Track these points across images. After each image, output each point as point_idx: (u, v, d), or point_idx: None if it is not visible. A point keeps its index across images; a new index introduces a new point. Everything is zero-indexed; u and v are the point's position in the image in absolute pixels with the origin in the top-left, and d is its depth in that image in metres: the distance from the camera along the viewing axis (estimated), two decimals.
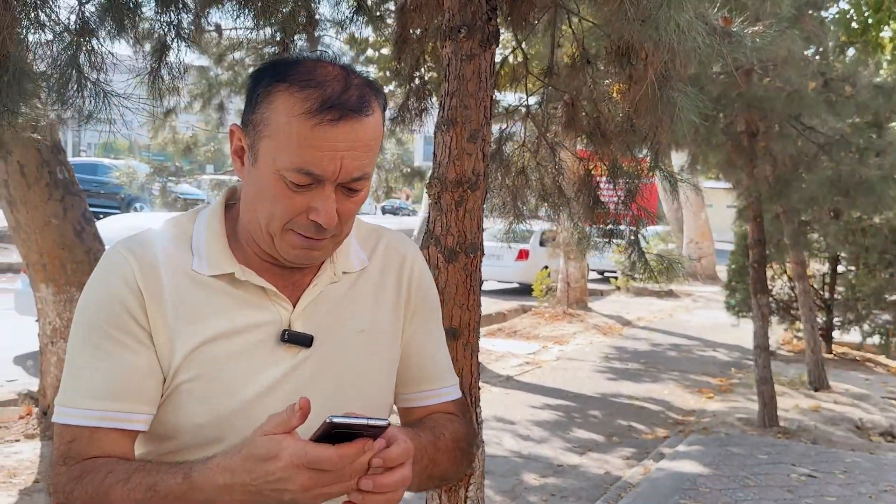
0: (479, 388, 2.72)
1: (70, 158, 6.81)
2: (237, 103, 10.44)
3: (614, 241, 3.67)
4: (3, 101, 1.60)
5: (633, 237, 3.66)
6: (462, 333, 2.63)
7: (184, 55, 2.66)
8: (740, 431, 7.25)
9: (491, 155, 3.14)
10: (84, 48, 1.76)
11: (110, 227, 8.59)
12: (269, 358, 1.34)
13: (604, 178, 3.48)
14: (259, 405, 1.31)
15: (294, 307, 1.37)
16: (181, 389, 1.31)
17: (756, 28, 2.84)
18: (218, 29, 6.66)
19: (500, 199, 3.45)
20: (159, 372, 1.31)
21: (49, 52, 1.80)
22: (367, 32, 10.68)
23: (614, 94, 3.01)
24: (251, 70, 1.40)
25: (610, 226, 3.59)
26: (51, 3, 1.62)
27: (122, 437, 1.29)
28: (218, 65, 9.47)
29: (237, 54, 10.00)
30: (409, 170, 11.14)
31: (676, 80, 2.48)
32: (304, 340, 1.35)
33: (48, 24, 1.63)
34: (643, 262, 3.72)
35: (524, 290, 15.52)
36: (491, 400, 8.06)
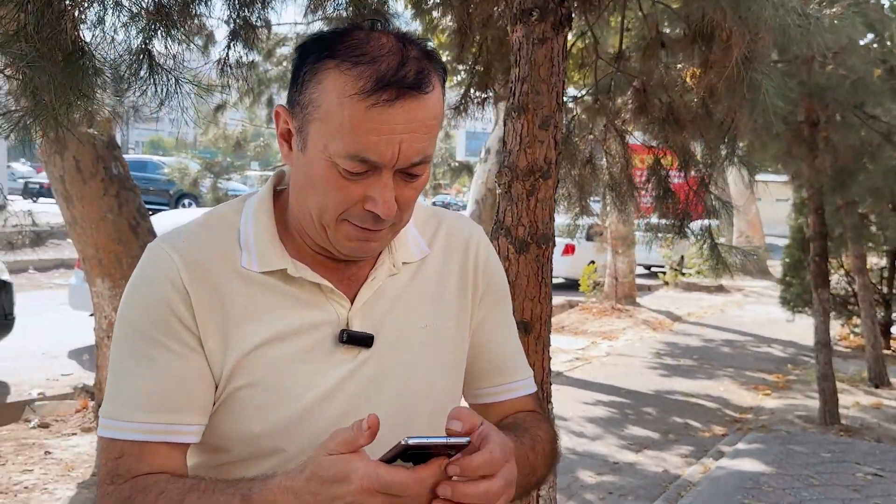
0: (551, 383, 2.64)
1: (127, 156, 6.87)
2: (286, 99, 10.46)
3: (685, 232, 3.54)
4: (76, 88, 1.56)
5: (706, 228, 3.54)
6: (533, 327, 2.55)
7: (244, 48, 2.63)
8: (801, 429, 7.07)
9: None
10: (159, 32, 1.71)
11: (161, 224, 8.63)
12: (327, 361, 1.23)
13: (669, 168, 3.37)
14: (318, 412, 1.22)
15: (352, 304, 1.26)
16: (235, 397, 1.21)
17: (834, 10, 2.72)
18: (267, 24, 6.67)
19: (566, 189, 3.36)
20: (210, 378, 1.20)
21: (120, 39, 1.77)
22: (415, 26, 10.65)
23: (688, 80, 2.90)
24: (298, 43, 1.24)
25: (680, 217, 3.46)
26: None
27: (172, 451, 1.19)
28: (267, 60, 9.49)
29: (285, 49, 10.04)
30: (457, 164, 11.06)
31: (760, 62, 2.36)
32: (364, 340, 1.25)
33: (123, 6, 1.59)
34: (716, 254, 3.59)
35: (570, 286, 15.37)
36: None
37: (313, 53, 1.15)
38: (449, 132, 10.49)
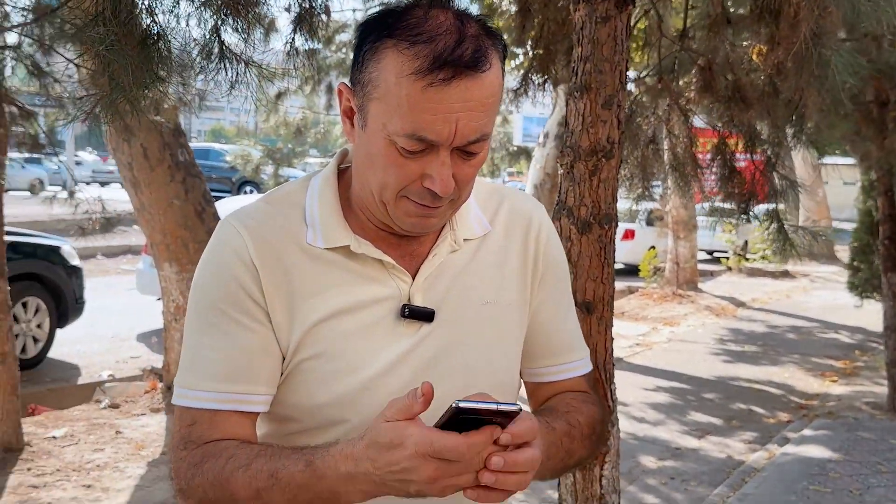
0: (614, 364, 2.63)
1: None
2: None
3: (750, 215, 3.47)
4: (152, 71, 1.60)
5: (772, 210, 3.47)
6: (596, 307, 2.54)
7: (307, 36, 2.66)
8: (869, 416, 6.92)
9: None
10: (230, 17, 1.75)
11: (224, 209, 8.81)
12: (389, 335, 1.26)
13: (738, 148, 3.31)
14: (381, 385, 1.25)
15: (413, 279, 1.29)
16: (300, 368, 1.25)
17: None
18: (327, 10, 6.73)
19: (628, 171, 3.33)
20: (277, 351, 1.25)
21: (191, 24, 1.81)
22: (473, 9, 10.62)
23: (754, 57, 2.85)
24: (361, 22, 1.25)
25: (746, 199, 3.40)
26: None
27: (242, 419, 1.25)
28: (326, 47, 9.57)
29: (345, 36, 10.11)
30: (515, 149, 11.02)
31: (829, 39, 2.31)
32: (426, 315, 1.27)
33: None
34: (783, 236, 3.51)
35: (630, 271, 15.21)
36: None
37: (373, 33, 1.17)
38: (506, 117, 10.44)
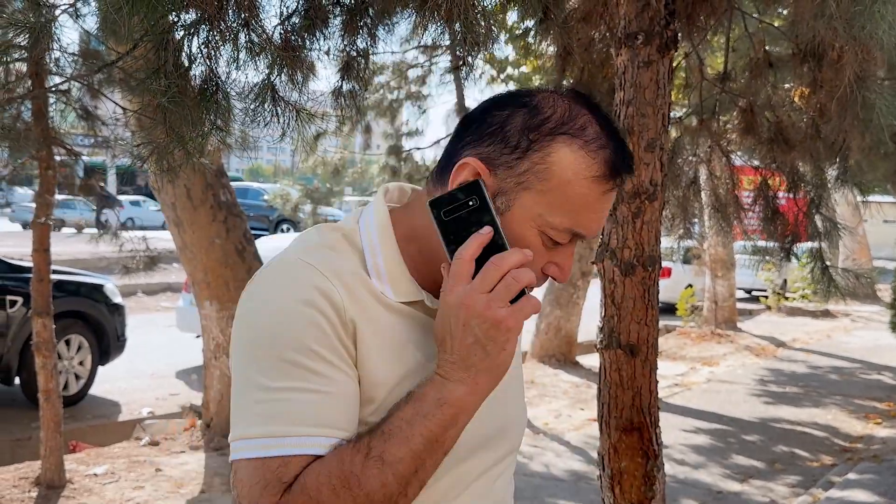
0: (659, 408, 2.62)
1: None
2: (382, 125, 10.67)
3: (792, 255, 3.46)
4: (211, 120, 1.66)
5: (816, 251, 3.45)
6: (640, 350, 2.54)
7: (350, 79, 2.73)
8: None
9: None
10: (285, 66, 1.80)
11: (262, 247, 8.91)
12: None
13: (778, 189, 3.30)
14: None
15: None
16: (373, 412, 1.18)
17: None
18: (366, 54, 6.84)
19: (669, 210, 3.33)
20: (357, 396, 1.16)
21: (247, 73, 1.87)
22: (507, 51, 10.74)
23: (796, 100, 2.85)
24: (493, 98, 1.26)
25: (789, 239, 3.39)
26: (255, 22, 1.67)
27: None
28: (365, 89, 9.70)
29: (382, 77, 10.26)
30: None
31: (872, 82, 2.32)
32: None
33: (254, 44, 1.68)
34: (827, 277, 3.49)
35: (667, 310, 15.06)
36: None
37: (539, 124, 1.17)
38: None
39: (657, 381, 2.60)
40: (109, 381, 8.61)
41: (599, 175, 1.15)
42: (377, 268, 1.21)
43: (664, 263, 10.79)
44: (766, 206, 3.32)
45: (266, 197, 13.03)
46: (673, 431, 7.60)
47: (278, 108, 1.94)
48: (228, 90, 1.61)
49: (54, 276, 7.86)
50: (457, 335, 1.11)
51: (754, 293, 19.12)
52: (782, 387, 10.00)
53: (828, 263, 3.50)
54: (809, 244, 3.46)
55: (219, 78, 1.59)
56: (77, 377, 8.00)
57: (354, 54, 2.31)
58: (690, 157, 3.34)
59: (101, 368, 8.31)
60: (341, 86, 2.42)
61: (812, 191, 3.21)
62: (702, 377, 10.47)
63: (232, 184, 7.13)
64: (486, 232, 1.12)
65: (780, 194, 3.38)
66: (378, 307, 1.19)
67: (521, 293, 1.11)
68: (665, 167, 2.51)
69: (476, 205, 1.13)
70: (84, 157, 5.83)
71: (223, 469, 5.93)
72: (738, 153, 3.29)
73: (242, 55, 1.67)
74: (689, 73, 3.37)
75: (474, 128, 1.21)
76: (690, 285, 15.47)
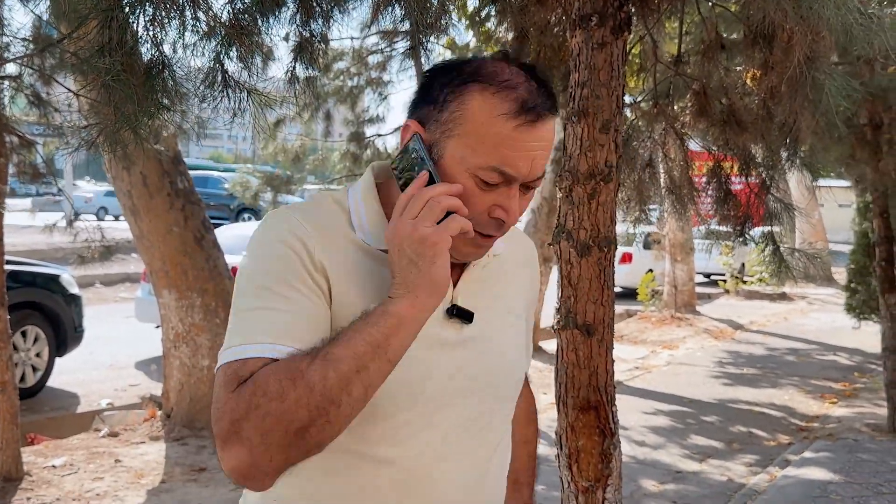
0: (615, 387, 2.64)
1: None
2: (343, 112, 10.59)
3: (746, 237, 3.50)
4: (157, 100, 1.63)
5: (768, 233, 3.49)
6: (596, 330, 2.56)
7: (306, 64, 2.70)
8: (869, 437, 6.90)
9: None
10: (234, 46, 1.78)
11: (223, 235, 8.82)
12: (437, 332, 1.35)
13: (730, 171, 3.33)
14: (426, 380, 1.34)
15: (455, 285, 1.40)
16: None
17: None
18: (324, 39, 6.79)
19: (625, 194, 3.36)
20: (328, 326, 1.28)
21: (192, 53, 1.84)
22: (468, 37, 10.71)
23: (748, 81, 2.88)
24: (427, 69, 1.43)
25: (741, 222, 3.43)
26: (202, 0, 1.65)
27: None
28: (325, 75, 9.63)
29: (341, 64, 10.17)
30: None
31: (822, 63, 2.35)
32: (467, 316, 1.38)
33: (200, 20, 1.66)
34: (779, 259, 3.54)
35: (628, 294, 15.22)
36: None
37: (453, 78, 1.31)
38: None
39: (613, 361, 2.62)
40: (67, 373, 8.49)
41: (509, 112, 1.26)
42: (360, 221, 1.37)
43: (625, 249, 10.93)
44: (718, 188, 3.36)
45: (226, 185, 12.88)
46: (633, 413, 7.70)
47: (229, 91, 1.92)
48: (176, 70, 1.59)
49: (9, 267, 7.75)
50: (395, 259, 1.26)
51: (713, 277, 19.38)
52: (740, 368, 10.16)
53: (780, 245, 3.55)
54: (764, 229, 3.52)
55: (165, 56, 1.57)
56: (34, 369, 7.87)
57: (308, 36, 2.28)
58: (646, 140, 3.37)
59: (58, 360, 8.18)
60: (294, 68, 2.39)
61: (764, 172, 3.26)
62: (662, 360, 10.61)
63: (191, 172, 7.04)
64: (421, 175, 1.28)
65: (734, 178, 3.42)
66: (359, 254, 1.34)
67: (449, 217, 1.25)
68: (620, 149, 2.53)
69: (416, 157, 1.30)
70: (38, 145, 5.72)
71: (184, 459, 5.88)
72: (692, 136, 3.32)
73: (189, 34, 1.66)
74: (644, 57, 3.40)
75: (415, 97, 1.38)
76: (651, 270, 15.66)
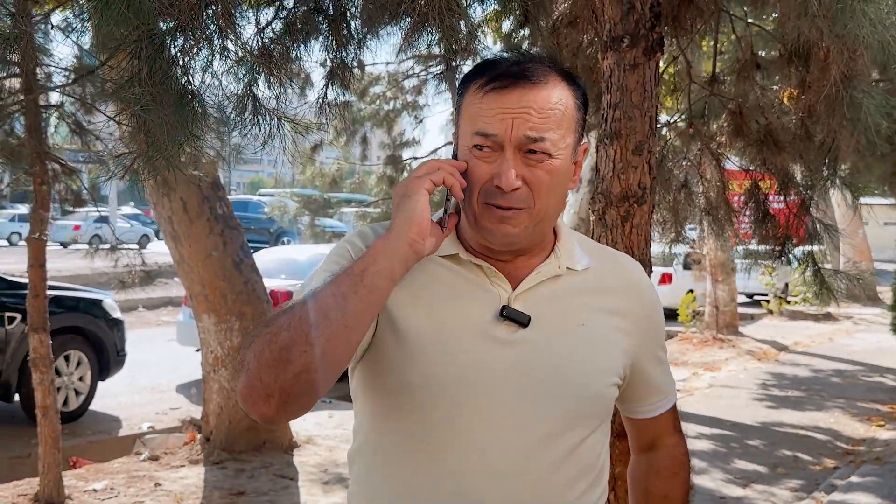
0: None
1: (231, 197, 7.12)
2: (379, 136, 10.68)
3: (786, 258, 3.43)
4: (187, 129, 1.66)
5: (808, 253, 3.42)
6: None
7: (340, 89, 2.72)
8: None
9: None
10: (262, 75, 1.81)
11: (263, 260, 8.91)
12: (487, 330, 1.37)
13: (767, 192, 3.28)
14: (472, 377, 1.35)
15: (514, 290, 1.41)
16: (389, 341, 1.36)
17: None
18: (361, 65, 6.84)
19: (660, 215, 3.31)
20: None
21: (225, 81, 1.86)
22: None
23: (785, 101, 2.84)
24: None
25: (781, 242, 3.36)
26: (232, 30, 1.68)
27: None
28: (361, 99, 9.72)
29: (378, 88, 10.26)
30: None
31: (860, 81, 2.31)
32: (523, 319, 1.38)
33: (229, 50, 1.69)
34: (820, 280, 3.46)
35: (669, 315, 14.91)
36: None
37: (462, 79, 1.43)
38: None
39: None
40: (109, 397, 8.59)
41: (480, 83, 1.36)
42: None
43: (664, 269, 10.78)
44: (756, 208, 3.30)
45: (266, 210, 13.01)
46: None
47: (260, 118, 1.94)
48: (206, 98, 1.60)
49: (53, 293, 7.88)
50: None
51: (756, 297, 19.07)
52: (784, 391, 9.96)
53: (821, 266, 3.47)
54: (806, 248, 3.45)
55: (193, 86, 1.58)
56: (77, 393, 7.97)
57: (338, 62, 2.29)
58: (681, 161, 3.33)
59: (100, 384, 8.28)
60: (326, 94, 2.40)
61: (803, 192, 3.20)
62: (704, 382, 10.44)
63: (231, 197, 7.11)
64: (447, 161, 1.38)
65: (771, 197, 3.36)
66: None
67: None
68: (654, 170, 2.50)
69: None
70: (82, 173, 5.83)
71: (222, 483, 5.90)
72: (729, 156, 3.27)
73: (217, 62, 1.68)
74: (678, 77, 3.36)
75: None
76: (692, 290, 15.45)
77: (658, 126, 2.53)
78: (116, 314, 8.49)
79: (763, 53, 2.99)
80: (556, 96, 1.35)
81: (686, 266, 16.05)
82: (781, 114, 2.94)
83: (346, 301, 1.24)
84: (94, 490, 5.67)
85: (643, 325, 1.53)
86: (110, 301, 8.45)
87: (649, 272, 2.55)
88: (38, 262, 5.32)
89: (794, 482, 6.39)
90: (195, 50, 1.48)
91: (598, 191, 2.52)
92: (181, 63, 1.63)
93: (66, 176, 5.27)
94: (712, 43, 3.27)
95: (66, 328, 7.73)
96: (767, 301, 17.49)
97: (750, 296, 19.16)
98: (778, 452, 7.26)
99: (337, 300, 1.24)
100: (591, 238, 2.59)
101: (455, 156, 1.41)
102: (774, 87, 2.99)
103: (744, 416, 8.57)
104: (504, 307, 1.38)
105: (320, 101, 2.43)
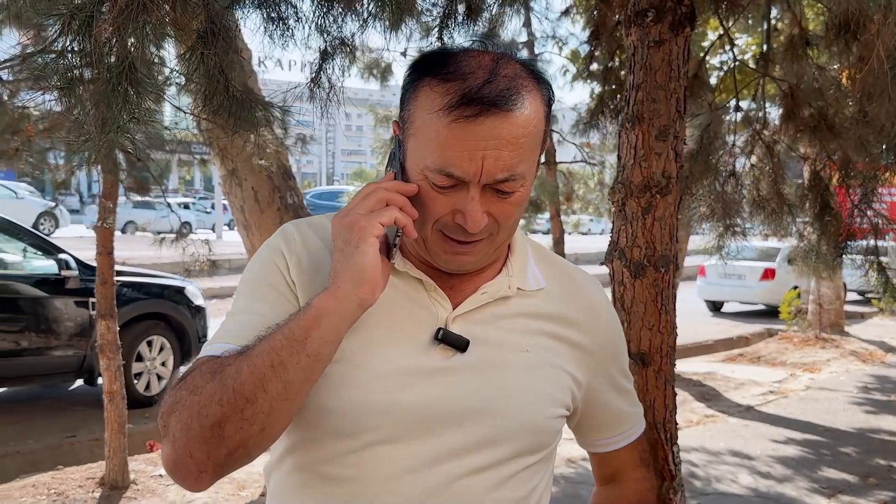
0: (677, 424, 2.38)
1: (323, 187, 7.13)
2: None
3: (848, 255, 3.12)
4: (239, 125, 1.60)
5: (871, 250, 3.09)
6: (652, 359, 2.30)
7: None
8: None
9: (693, 156, 2.77)
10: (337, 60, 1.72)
11: None
12: (419, 354, 1.24)
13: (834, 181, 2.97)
14: (400, 403, 1.21)
15: (455, 309, 1.27)
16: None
17: None
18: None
19: (708, 206, 3.06)
20: None
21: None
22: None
23: (844, 81, 2.55)
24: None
25: (843, 237, 3.05)
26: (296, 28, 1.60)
27: None
28: None
29: None
30: None
31: None
32: (460, 343, 1.25)
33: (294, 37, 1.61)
34: (884, 278, 3.13)
35: (770, 313, 14.39)
36: (727, 431, 7.43)
37: (416, 71, 1.20)
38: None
39: (675, 394, 2.36)
40: None
41: (444, 106, 1.13)
42: None
43: (767, 264, 10.32)
44: (814, 200, 3.00)
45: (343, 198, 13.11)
46: (761, 441, 7.19)
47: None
48: (145, 75, 1.51)
49: (137, 279, 8.09)
50: (332, 251, 1.19)
51: (868, 296, 18.05)
52: (887, 395, 9.35)
53: (885, 267, 3.14)
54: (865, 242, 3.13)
55: (131, 61, 1.48)
56: (159, 378, 8.16)
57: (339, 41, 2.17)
58: (732, 148, 3.05)
59: (182, 369, 8.46)
60: (319, 71, 2.26)
61: (862, 182, 2.88)
62: (801, 384, 9.92)
63: (324, 187, 7.15)
64: (387, 175, 1.23)
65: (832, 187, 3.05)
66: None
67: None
68: (680, 157, 2.28)
69: (394, 159, 1.24)
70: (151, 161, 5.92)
71: None
72: (782, 142, 2.98)
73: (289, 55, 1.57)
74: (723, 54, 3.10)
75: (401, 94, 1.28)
76: (796, 287, 14.74)
77: (686, 109, 2.29)
78: (199, 301, 8.66)
79: (816, 27, 2.70)
80: (528, 115, 1.16)
81: (790, 261, 15.32)
82: (841, 96, 2.65)
83: (286, 371, 1.11)
84: (160, 475, 5.76)
85: (600, 351, 1.38)
86: (193, 288, 8.63)
87: (673, 271, 2.33)
88: (105, 249, 5.42)
89: (885, 494, 5.94)
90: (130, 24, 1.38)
91: (619, 180, 2.31)
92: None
93: (131, 166, 5.35)
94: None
95: (150, 314, 7.94)
96: (879, 299, 16.54)
97: (862, 293, 18.15)
98: (871, 461, 6.78)
99: (276, 370, 1.11)
100: (612, 232, 2.39)
101: (402, 165, 1.22)
102: (835, 66, 2.70)
103: (839, 421, 8.08)
104: (440, 329, 1.24)
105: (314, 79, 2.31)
